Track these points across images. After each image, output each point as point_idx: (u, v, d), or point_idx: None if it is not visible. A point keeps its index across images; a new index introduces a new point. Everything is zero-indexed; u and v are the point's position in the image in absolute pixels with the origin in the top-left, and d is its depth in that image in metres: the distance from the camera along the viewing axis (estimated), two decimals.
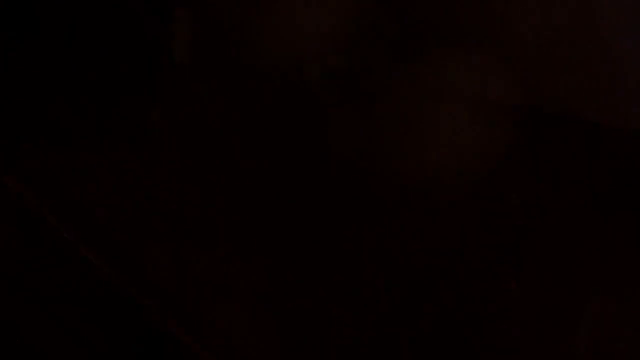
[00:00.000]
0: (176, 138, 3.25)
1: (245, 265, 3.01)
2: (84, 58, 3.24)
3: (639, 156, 3.11)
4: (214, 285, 2.96)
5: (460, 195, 3.14)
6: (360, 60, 3.27)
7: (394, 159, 3.20)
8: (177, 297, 2.93)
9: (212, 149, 3.23)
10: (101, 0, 3.24)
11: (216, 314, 2.91)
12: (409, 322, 2.93)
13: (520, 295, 3.00)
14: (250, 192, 3.17)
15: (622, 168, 3.11)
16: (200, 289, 2.96)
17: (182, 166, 3.18)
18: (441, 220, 3.12)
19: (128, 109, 3.23)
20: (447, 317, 2.95)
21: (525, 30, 3.17)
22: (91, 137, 3.18)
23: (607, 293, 2.98)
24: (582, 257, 3.06)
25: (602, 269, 3.02)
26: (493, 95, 3.19)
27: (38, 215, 3.00)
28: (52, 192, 3.07)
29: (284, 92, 3.29)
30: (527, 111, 3.18)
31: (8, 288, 2.85)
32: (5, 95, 3.20)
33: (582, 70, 3.16)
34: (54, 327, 2.80)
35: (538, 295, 3.00)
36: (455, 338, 2.91)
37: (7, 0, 3.17)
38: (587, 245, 3.07)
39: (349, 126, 3.25)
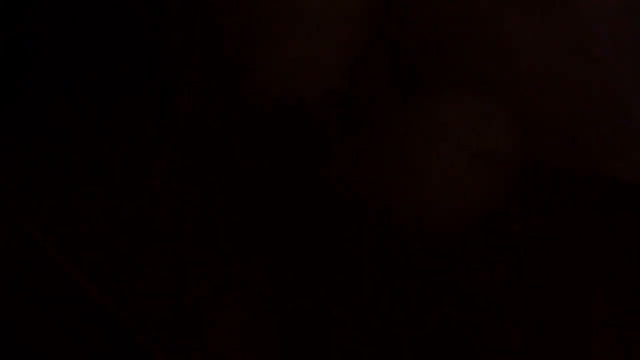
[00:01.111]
0: (176, 138, 3.25)
1: (246, 265, 3.01)
2: (84, 58, 3.24)
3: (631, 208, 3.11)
4: (213, 285, 2.96)
5: (461, 206, 3.14)
6: (361, 88, 3.27)
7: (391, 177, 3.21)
8: (176, 296, 2.93)
9: (212, 149, 3.23)
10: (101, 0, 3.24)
11: (216, 313, 2.91)
12: (409, 322, 2.93)
13: (522, 295, 2.99)
14: (250, 192, 3.17)
15: (621, 217, 3.11)
16: (200, 289, 2.96)
17: (182, 166, 3.18)
18: (441, 221, 3.12)
19: (128, 109, 3.23)
20: (448, 318, 2.95)
21: (529, 79, 3.17)
22: (91, 137, 3.18)
23: (609, 295, 2.98)
24: (583, 260, 3.06)
25: (604, 273, 3.02)
26: (491, 144, 3.19)
27: (37, 216, 3.00)
28: (52, 192, 3.07)
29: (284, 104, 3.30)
30: (524, 161, 3.18)
31: (8, 288, 2.85)
32: (5, 95, 3.20)
33: (584, 123, 3.15)
34: (54, 327, 2.80)
35: (540, 296, 3.00)
36: (455, 338, 2.91)
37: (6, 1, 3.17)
38: (588, 249, 3.07)
39: (348, 134, 3.26)
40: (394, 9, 3.20)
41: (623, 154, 3.11)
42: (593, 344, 2.93)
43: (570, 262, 3.05)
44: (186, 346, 2.83)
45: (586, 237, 3.04)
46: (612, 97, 3.10)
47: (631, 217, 3.06)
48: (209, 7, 3.30)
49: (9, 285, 2.86)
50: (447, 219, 3.12)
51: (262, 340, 2.85)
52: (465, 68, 3.19)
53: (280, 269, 3.02)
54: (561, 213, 3.08)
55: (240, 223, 3.11)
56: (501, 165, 3.15)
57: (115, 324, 2.84)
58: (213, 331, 2.86)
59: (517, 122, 3.14)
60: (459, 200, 3.13)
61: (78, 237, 2.99)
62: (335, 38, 3.24)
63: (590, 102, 3.12)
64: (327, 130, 3.25)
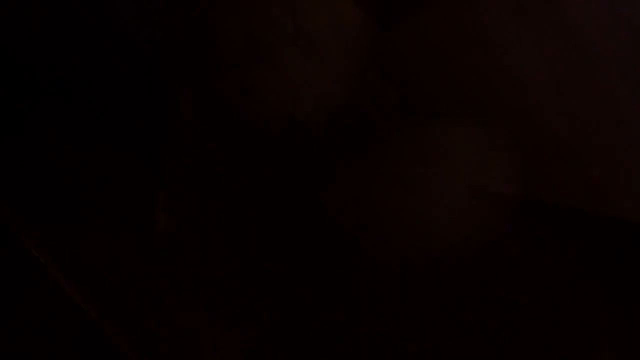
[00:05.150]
0: (178, 156, 3.25)
1: (242, 284, 3.02)
2: (85, 59, 3.24)
3: (631, 246, 3.09)
4: (210, 303, 2.98)
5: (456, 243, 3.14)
6: (362, 116, 3.27)
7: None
8: (172, 314, 2.94)
9: (214, 170, 3.24)
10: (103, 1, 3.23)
11: (215, 317, 2.93)
12: (406, 350, 2.94)
13: (517, 332, 3.00)
14: (249, 214, 3.18)
15: (616, 254, 3.10)
16: (197, 307, 2.97)
17: (182, 183, 3.19)
18: (439, 252, 3.13)
19: (129, 112, 3.23)
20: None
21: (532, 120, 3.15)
22: (93, 139, 3.18)
23: (612, 332, 2.98)
24: (585, 298, 3.06)
25: (607, 310, 3.03)
26: (492, 179, 3.18)
27: (36, 230, 3.01)
28: (51, 193, 3.08)
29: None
30: (519, 198, 3.17)
31: (7, 302, 2.87)
32: (8, 100, 3.20)
33: (589, 160, 3.13)
34: (50, 341, 2.82)
35: (537, 332, 3.01)
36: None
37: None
38: (589, 286, 3.07)
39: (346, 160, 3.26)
40: (394, 37, 3.20)
41: (629, 192, 3.11)
42: None
43: (572, 301, 3.05)
44: (182, 347, 2.85)
45: (586, 275, 3.05)
46: (620, 132, 3.09)
47: (633, 255, 3.06)
48: (212, 27, 3.30)
49: (7, 299, 2.87)
50: (445, 251, 3.12)
51: (262, 342, 2.87)
52: (467, 99, 3.19)
53: (277, 291, 3.03)
54: (561, 250, 3.08)
55: (239, 241, 3.12)
56: (501, 200, 3.16)
57: (109, 340, 2.86)
58: (209, 348, 2.88)
59: (518, 157, 3.15)
60: (458, 234, 3.13)
61: (76, 252, 3.00)
62: (337, 65, 3.25)
63: (596, 138, 3.11)
64: (328, 156, 3.25)
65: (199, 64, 3.28)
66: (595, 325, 2.98)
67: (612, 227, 3.07)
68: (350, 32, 3.17)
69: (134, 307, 2.95)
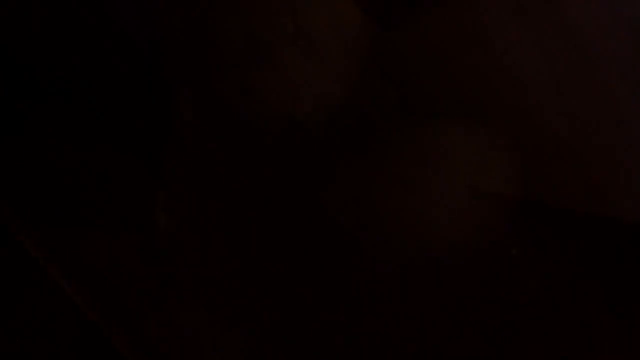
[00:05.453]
0: (178, 156, 3.25)
1: (241, 286, 3.02)
2: (85, 59, 3.24)
3: (631, 246, 3.09)
4: (209, 305, 2.98)
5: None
6: (362, 116, 3.26)
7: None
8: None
9: (213, 170, 3.23)
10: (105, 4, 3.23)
11: (215, 317, 2.93)
12: (406, 349, 2.94)
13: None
14: (249, 216, 3.18)
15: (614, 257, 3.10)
16: (196, 309, 2.97)
17: (182, 184, 3.19)
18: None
19: (129, 112, 3.23)
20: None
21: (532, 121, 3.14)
22: (93, 139, 3.18)
23: (610, 335, 2.98)
24: (584, 300, 3.06)
25: (604, 311, 3.02)
26: (491, 180, 3.18)
27: (36, 231, 3.01)
28: (51, 193, 3.07)
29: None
30: (520, 200, 3.17)
31: (6, 304, 2.86)
32: (9, 102, 3.20)
33: (581, 163, 3.13)
34: (49, 342, 2.81)
35: (535, 334, 3.01)
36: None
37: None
38: (588, 288, 3.07)
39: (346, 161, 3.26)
40: (394, 37, 3.20)
41: (629, 192, 3.10)
42: None
43: (572, 301, 3.05)
44: (180, 349, 2.85)
45: (586, 275, 3.05)
46: (620, 132, 3.09)
47: (633, 255, 3.06)
48: (212, 27, 3.29)
49: (7, 299, 2.87)
50: (445, 251, 3.12)
51: (260, 344, 2.87)
52: (467, 99, 3.18)
53: (277, 291, 3.03)
54: (561, 250, 3.08)
55: (239, 241, 3.12)
56: (501, 200, 3.15)
57: (109, 340, 2.86)
58: (209, 348, 2.88)
59: (518, 157, 3.14)
60: (458, 234, 3.13)
61: (76, 252, 3.00)
62: (337, 65, 3.24)
63: (596, 138, 3.11)
64: (328, 156, 3.25)
65: (199, 64, 3.27)
66: (595, 325, 2.98)
67: (612, 227, 3.06)
68: (350, 32, 3.17)
69: (134, 307, 2.95)
